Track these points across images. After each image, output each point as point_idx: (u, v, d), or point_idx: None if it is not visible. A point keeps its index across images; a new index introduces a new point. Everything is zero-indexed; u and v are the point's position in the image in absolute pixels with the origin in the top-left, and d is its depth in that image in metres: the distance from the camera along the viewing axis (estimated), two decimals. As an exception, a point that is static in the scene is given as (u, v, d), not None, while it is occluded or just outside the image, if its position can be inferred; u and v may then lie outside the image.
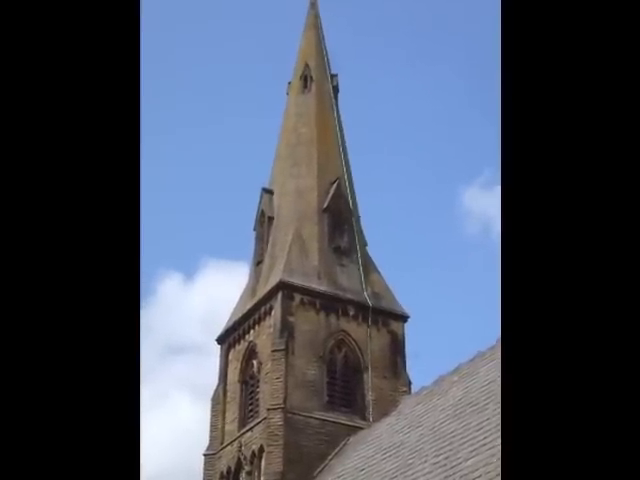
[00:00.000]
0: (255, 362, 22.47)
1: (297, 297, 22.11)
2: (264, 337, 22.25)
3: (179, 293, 54.34)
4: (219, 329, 24.21)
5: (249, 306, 23.08)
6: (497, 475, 11.86)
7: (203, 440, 23.08)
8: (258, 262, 24.06)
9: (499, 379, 15.33)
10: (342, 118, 26.24)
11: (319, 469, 20.11)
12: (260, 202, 24.65)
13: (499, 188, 44.89)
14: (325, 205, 23.77)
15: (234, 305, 24.43)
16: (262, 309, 22.54)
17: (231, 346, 23.56)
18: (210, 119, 55.75)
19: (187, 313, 53.11)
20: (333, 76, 26.83)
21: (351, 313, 22.50)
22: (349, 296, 22.68)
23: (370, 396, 21.81)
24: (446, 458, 14.13)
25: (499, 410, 13.97)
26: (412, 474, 14.81)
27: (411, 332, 23.36)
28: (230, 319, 24.02)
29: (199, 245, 56.52)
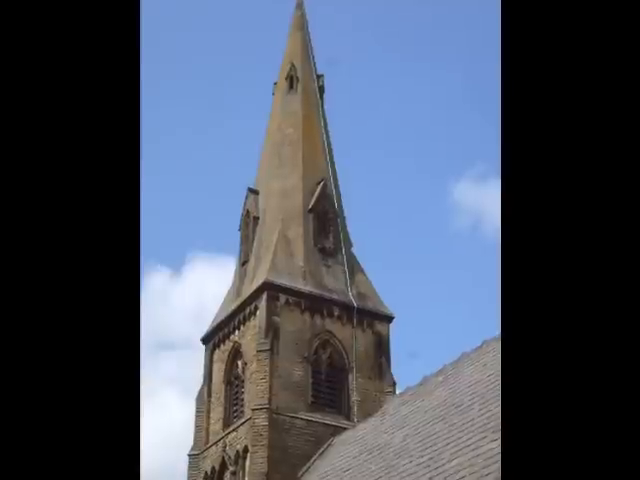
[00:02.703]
0: (240, 362, 22.45)
1: (282, 297, 22.08)
2: (249, 337, 22.23)
3: (167, 288, 54.30)
4: (208, 324, 24.21)
5: (234, 306, 23.06)
6: (481, 476, 11.89)
7: (190, 439, 23.06)
8: (243, 262, 24.04)
9: (484, 380, 15.38)
10: (328, 118, 26.28)
11: (304, 469, 20.10)
12: (245, 202, 24.63)
13: (491, 181, 45.03)
14: (310, 206, 23.76)
15: (221, 302, 24.42)
16: (247, 309, 22.51)
17: (216, 346, 23.53)
18: (197, 118, 55.79)
19: (176, 308, 53.06)
20: (319, 76, 26.83)
21: (336, 314, 22.50)
22: (334, 297, 22.68)
23: (355, 396, 21.81)
24: (430, 459, 14.15)
25: (484, 411, 14.01)
26: (397, 474, 14.83)
27: (396, 332, 23.44)
28: (215, 319, 23.99)
29: (186, 238, 56.46)
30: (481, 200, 53.24)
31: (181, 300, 53.43)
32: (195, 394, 23.46)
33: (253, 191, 24.69)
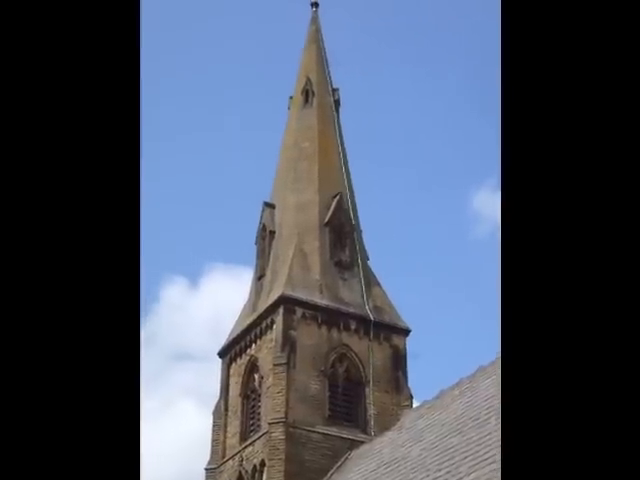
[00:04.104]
0: (257, 376, 22.45)
1: (299, 311, 22.09)
2: (265, 351, 22.24)
3: (184, 298, 54.43)
4: (225, 335, 24.24)
5: (250, 320, 23.08)
6: (499, 490, 11.85)
7: (207, 451, 23.07)
8: (260, 276, 24.07)
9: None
10: (344, 132, 26.31)
11: (321, 483, 20.07)
12: (262, 216, 24.67)
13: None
14: (327, 219, 23.78)
15: (238, 313, 24.46)
16: (264, 323, 22.53)
17: (232, 360, 23.55)
18: (214, 131, 55.98)
19: (193, 319, 53.15)
20: (334, 90, 26.89)
21: (353, 327, 22.48)
22: (351, 310, 22.67)
23: (372, 410, 21.77)
24: (448, 472, 14.11)
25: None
26: (414, 489, 14.80)
27: (413, 345, 23.40)
28: (231, 333, 24.02)
29: (203, 249, 56.58)
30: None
31: (198, 310, 53.61)
32: (212, 405, 23.50)
33: (269, 205, 24.74)
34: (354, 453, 20.35)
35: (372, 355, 22.36)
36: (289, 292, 22.20)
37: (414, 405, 21.69)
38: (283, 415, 20.67)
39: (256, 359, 22.57)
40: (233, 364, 23.50)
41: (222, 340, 24.26)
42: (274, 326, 22.11)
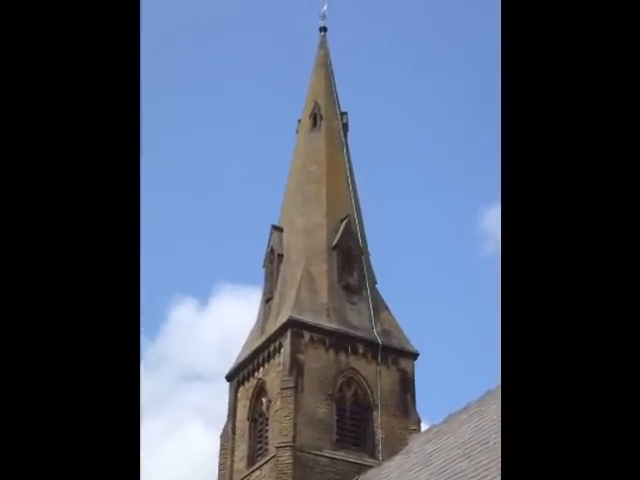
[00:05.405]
0: (264, 400, 22.41)
1: (306, 335, 22.07)
2: (273, 375, 22.21)
3: (194, 319, 54.54)
4: (234, 357, 24.21)
5: (258, 343, 23.06)
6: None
7: (214, 474, 22.94)
8: (267, 299, 24.08)
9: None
10: (352, 156, 26.35)
11: (328, 508, 19.97)
12: (270, 239, 24.70)
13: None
14: (335, 243, 23.80)
15: (246, 336, 24.44)
16: (271, 346, 22.51)
17: (240, 383, 23.51)
18: (223, 155, 56.21)
19: (202, 339, 53.22)
20: (343, 114, 26.96)
21: (361, 351, 22.45)
22: (359, 334, 22.64)
23: (380, 434, 21.69)
24: (456, 497, 14.03)
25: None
26: (422, 513, 14.71)
27: (421, 369, 23.34)
28: (239, 356, 24.00)
29: (213, 270, 56.68)
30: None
31: (208, 331, 53.72)
32: (220, 427, 23.44)
33: (277, 228, 24.77)
34: (362, 477, 20.27)
35: (380, 379, 22.31)
36: (297, 316, 22.18)
37: (422, 429, 21.62)
38: (291, 439, 20.61)
39: (264, 382, 22.54)
40: (241, 387, 23.47)
41: (231, 362, 24.27)
42: (282, 349, 22.09)
